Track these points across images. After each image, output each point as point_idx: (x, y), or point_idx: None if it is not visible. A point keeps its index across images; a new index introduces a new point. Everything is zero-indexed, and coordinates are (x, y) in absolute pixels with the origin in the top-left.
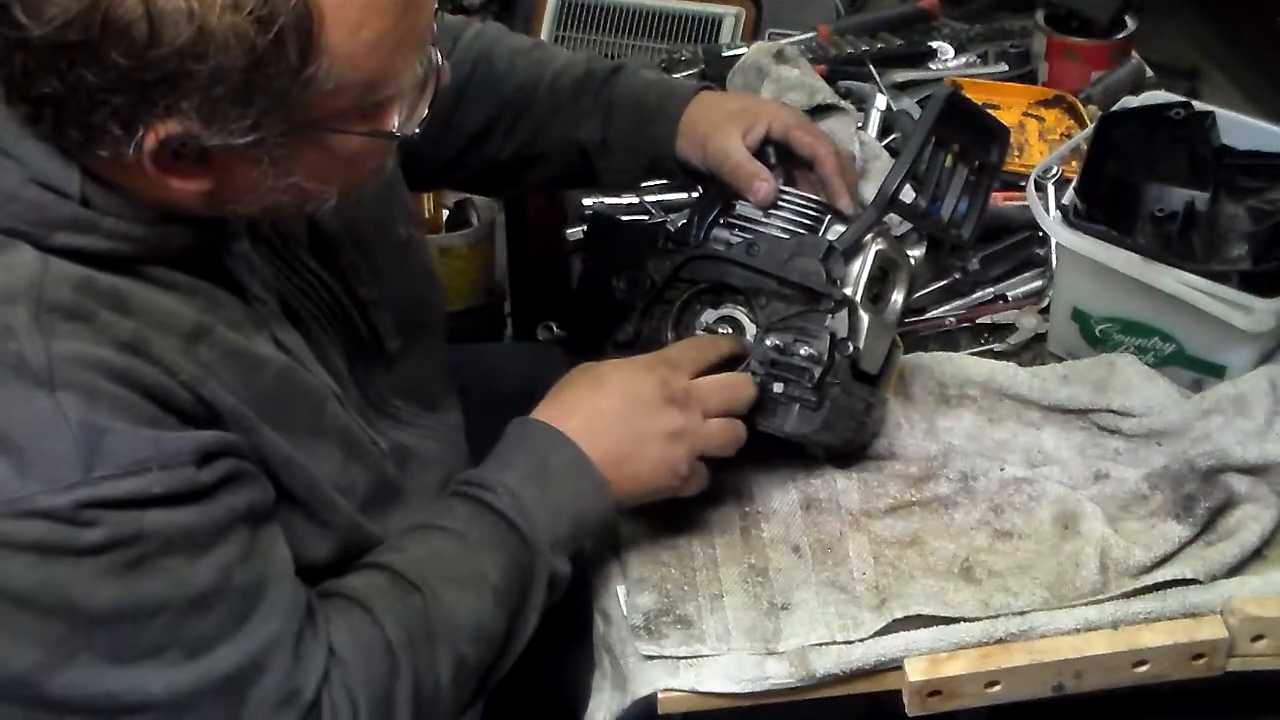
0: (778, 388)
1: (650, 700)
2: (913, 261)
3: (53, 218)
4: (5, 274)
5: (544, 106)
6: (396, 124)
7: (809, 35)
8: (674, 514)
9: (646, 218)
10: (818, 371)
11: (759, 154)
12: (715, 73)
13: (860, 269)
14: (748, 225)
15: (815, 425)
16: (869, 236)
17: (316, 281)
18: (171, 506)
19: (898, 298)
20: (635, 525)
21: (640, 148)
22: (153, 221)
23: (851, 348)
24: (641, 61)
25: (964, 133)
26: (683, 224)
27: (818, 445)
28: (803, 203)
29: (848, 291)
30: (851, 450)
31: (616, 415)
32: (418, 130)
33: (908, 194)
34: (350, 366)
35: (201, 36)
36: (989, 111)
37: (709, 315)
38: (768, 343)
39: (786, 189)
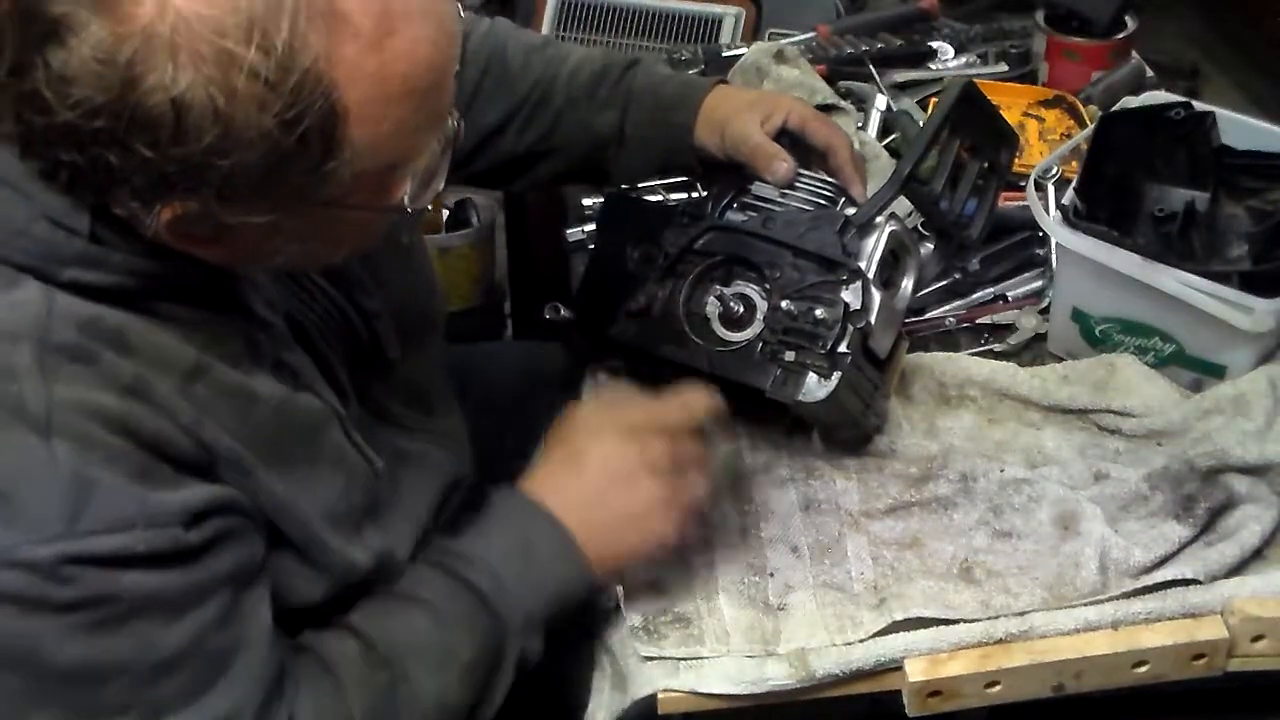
0: (789, 356)
1: (650, 700)
2: (922, 253)
3: (62, 253)
4: (10, 312)
5: (561, 100)
6: (407, 196)
7: (809, 35)
8: None
9: (661, 199)
10: (830, 338)
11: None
12: (715, 73)
13: (874, 246)
14: (763, 206)
15: (824, 396)
16: (882, 217)
17: (322, 295)
18: (152, 568)
19: (907, 285)
20: None
21: (657, 138)
22: (163, 256)
23: (864, 321)
24: (654, 58)
25: (976, 129)
26: (698, 200)
27: (824, 421)
28: (819, 184)
29: (865, 261)
30: (854, 437)
31: (598, 493)
32: (429, 208)
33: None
34: (351, 376)
35: (227, 135)
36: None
37: (721, 290)
38: (782, 306)
39: (803, 171)
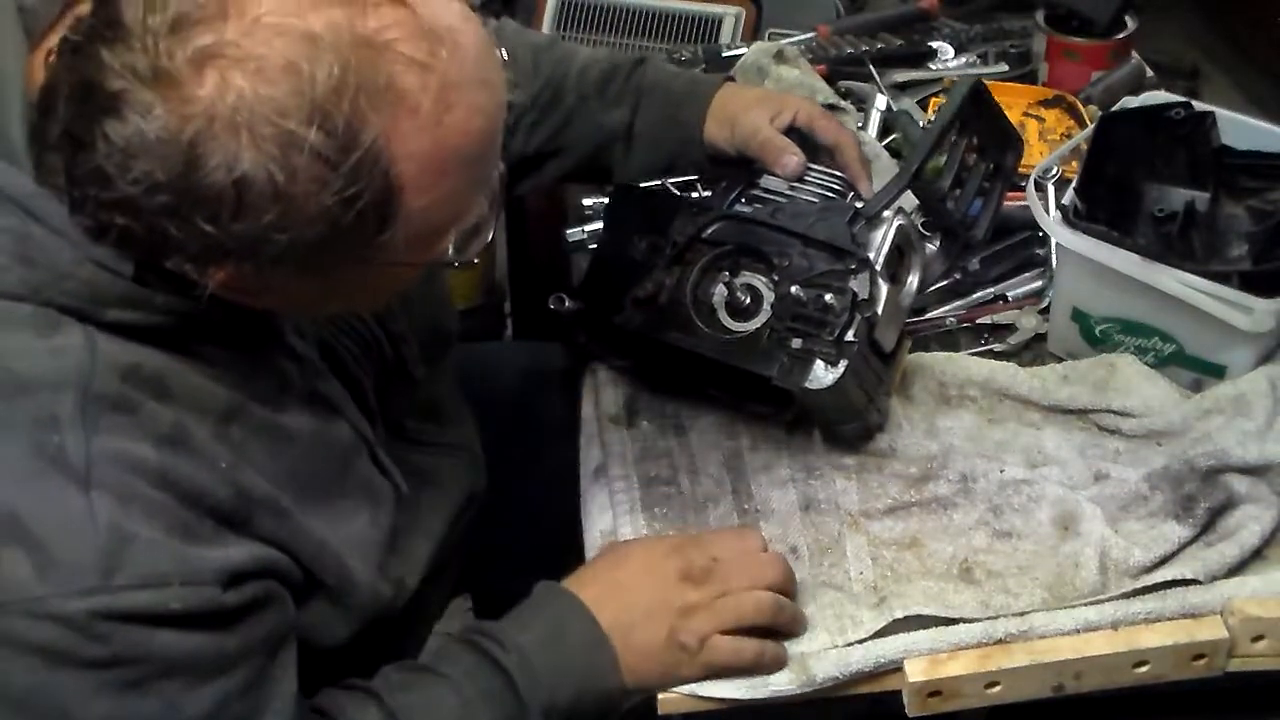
0: (796, 343)
1: (650, 701)
2: (927, 251)
3: (106, 294)
4: (54, 359)
5: (572, 99)
6: (452, 249)
7: (809, 35)
8: (671, 512)
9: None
10: (838, 325)
11: None
12: (716, 73)
13: (882, 239)
14: (771, 199)
15: (831, 383)
16: (890, 211)
17: (355, 319)
18: (186, 628)
19: (912, 281)
20: (634, 522)
21: (667, 135)
22: (203, 297)
23: (871, 311)
24: (656, 58)
25: (984, 129)
26: (707, 194)
27: (828, 412)
28: (828, 178)
29: (873, 251)
30: (857, 432)
31: (631, 588)
32: (475, 260)
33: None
34: (377, 398)
35: (287, 213)
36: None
37: (728, 279)
38: (790, 292)
39: (813, 165)
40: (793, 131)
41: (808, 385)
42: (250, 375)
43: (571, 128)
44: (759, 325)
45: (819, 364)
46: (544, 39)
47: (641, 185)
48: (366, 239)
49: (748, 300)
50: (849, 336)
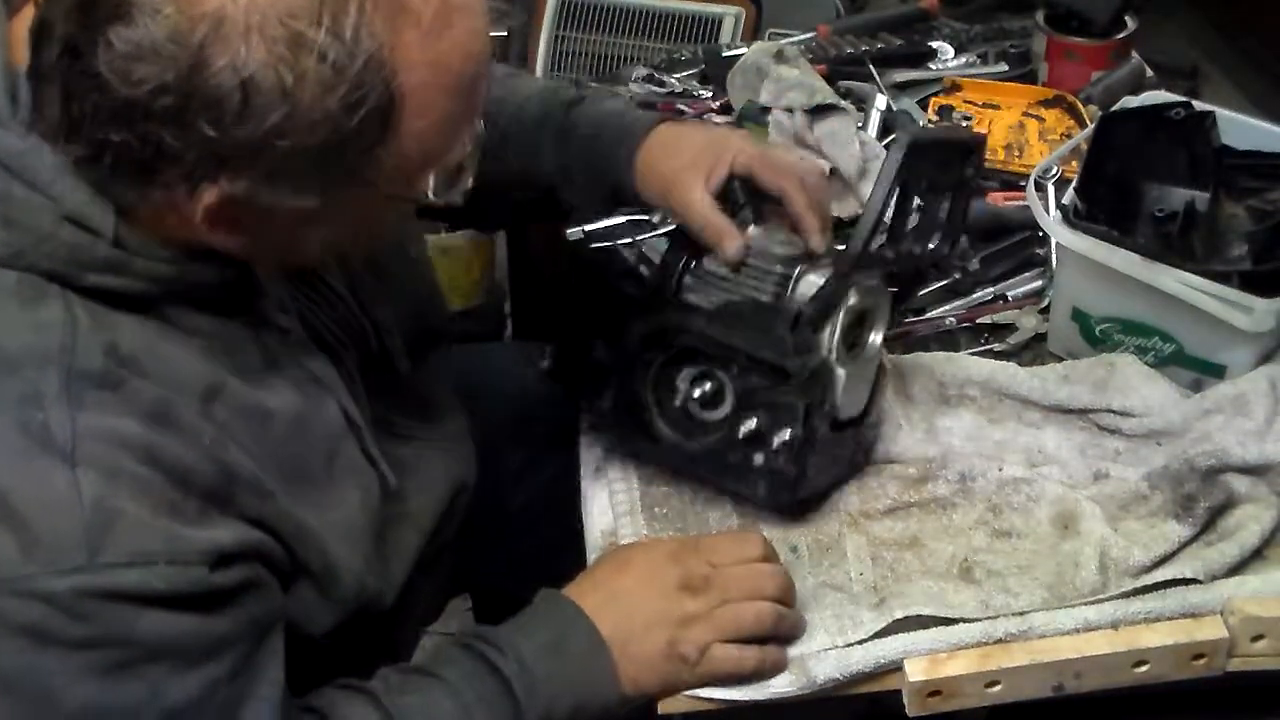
0: (758, 459)
1: (650, 700)
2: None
3: (86, 258)
4: (36, 334)
5: (505, 135)
6: (432, 188)
7: (809, 35)
8: (671, 512)
9: (628, 243)
10: (795, 442)
11: (726, 193)
12: (715, 73)
13: (832, 333)
14: (716, 282)
15: (793, 494)
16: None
17: (337, 300)
18: (173, 609)
19: (876, 338)
20: (634, 523)
21: (598, 182)
22: (181, 260)
23: (828, 407)
24: (606, 91)
25: (933, 166)
26: (659, 266)
27: (813, 489)
28: (770, 265)
29: (822, 353)
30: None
31: (631, 597)
32: (460, 200)
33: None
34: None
35: (291, 116)
36: (960, 125)
37: (688, 372)
38: (743, 429)
39: (751, 259)
40: (733, 181)
41: (766, 501)
42: (231, 349)
43: (505, 168)
44: (728, 411)
45: (783, 476)
46: (500, 71)
47: (597, 267)
48: (364, 149)
49: (710, 385)
50: (808, 448)
